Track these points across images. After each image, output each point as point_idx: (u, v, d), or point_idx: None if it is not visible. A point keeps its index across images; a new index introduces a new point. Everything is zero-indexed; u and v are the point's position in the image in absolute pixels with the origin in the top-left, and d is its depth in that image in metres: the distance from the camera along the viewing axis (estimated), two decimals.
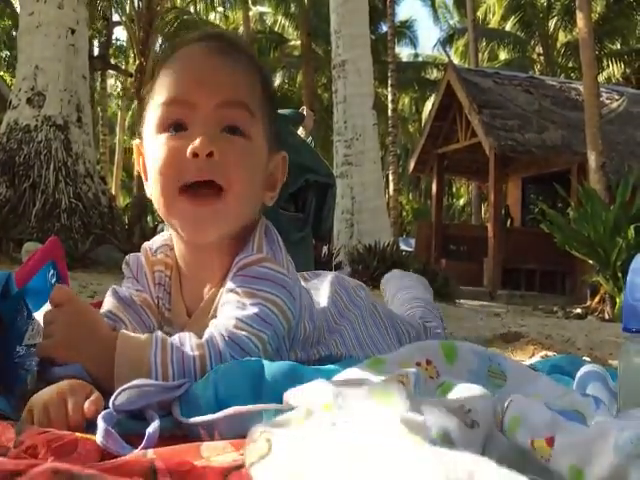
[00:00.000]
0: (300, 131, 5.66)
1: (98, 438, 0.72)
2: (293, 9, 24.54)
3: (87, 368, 0.87)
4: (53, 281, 1.01)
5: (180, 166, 0.96)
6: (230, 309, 0.94)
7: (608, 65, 22.94)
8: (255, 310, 0.94)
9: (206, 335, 0.91)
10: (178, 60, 1.04)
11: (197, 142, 0.94)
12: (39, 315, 0.99)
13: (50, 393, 0.81)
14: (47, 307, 0.98)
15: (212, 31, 1.30)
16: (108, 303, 1.06)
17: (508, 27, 25.12)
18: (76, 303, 0.94)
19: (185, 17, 20.56)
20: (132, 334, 0.93)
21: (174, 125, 0.99)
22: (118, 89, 27.66)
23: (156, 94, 1.02)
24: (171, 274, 1.09)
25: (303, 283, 1.16)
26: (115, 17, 20.25)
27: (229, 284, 0.97)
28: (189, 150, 0.95)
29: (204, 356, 0.89)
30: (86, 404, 0.79)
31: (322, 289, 1.22)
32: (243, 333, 0.92)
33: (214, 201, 0.97)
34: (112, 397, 0.78)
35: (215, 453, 0.68)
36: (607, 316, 7.35)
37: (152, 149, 1.01)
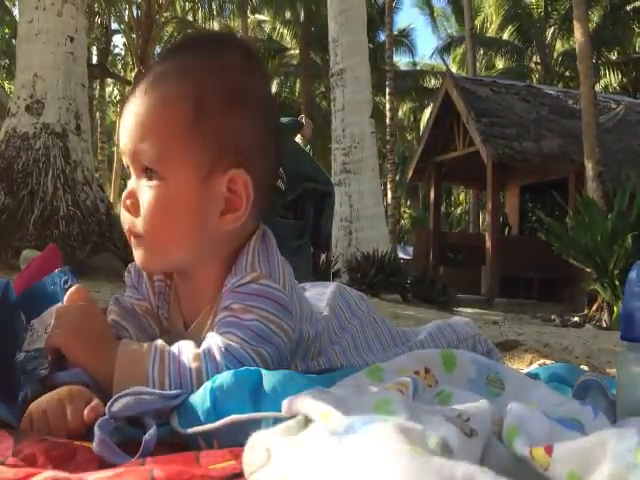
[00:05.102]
0: (298, 139, 5.68)
1: (94, 447, 0.72)
2: (290, 17, 24.63)
3: (87, 368, 0.88)
4: (66, 286, 1.03)
5: None
6: (226, 325, 0.94)
7: (605, 74, 23.05)
8: (251, 326, 0.93)
9: (203, 346, 0.91)
10: None
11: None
12: (44, 317, 1.00)
13: (49, 399, 0.81)
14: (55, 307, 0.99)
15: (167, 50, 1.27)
16: (112, 312, 1.06)
17: (506, 36, 25.24)
18: (90, 303, 0.98)
19: (185, 25, 20.61)
20: (133, 343, 0.94)
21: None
22: (117, 97, 27.71)
23: None
24: (170, 284, 1.09)
25: (305, 293, 1.15)
26: (114, 25, 20.35)
27: (224, 301, 0.97)
28: None
29: (200, 368, 0.89)
30: (85, 410, 0.79)
31: (324, 301, 1.21)
32: (240, 347, 0.92)
33: (137, 245, 1.01)
34: (108, 403, 0.78)
35: (214, 462, 0.68)
36: (605, 324, 7.35)
37: None
